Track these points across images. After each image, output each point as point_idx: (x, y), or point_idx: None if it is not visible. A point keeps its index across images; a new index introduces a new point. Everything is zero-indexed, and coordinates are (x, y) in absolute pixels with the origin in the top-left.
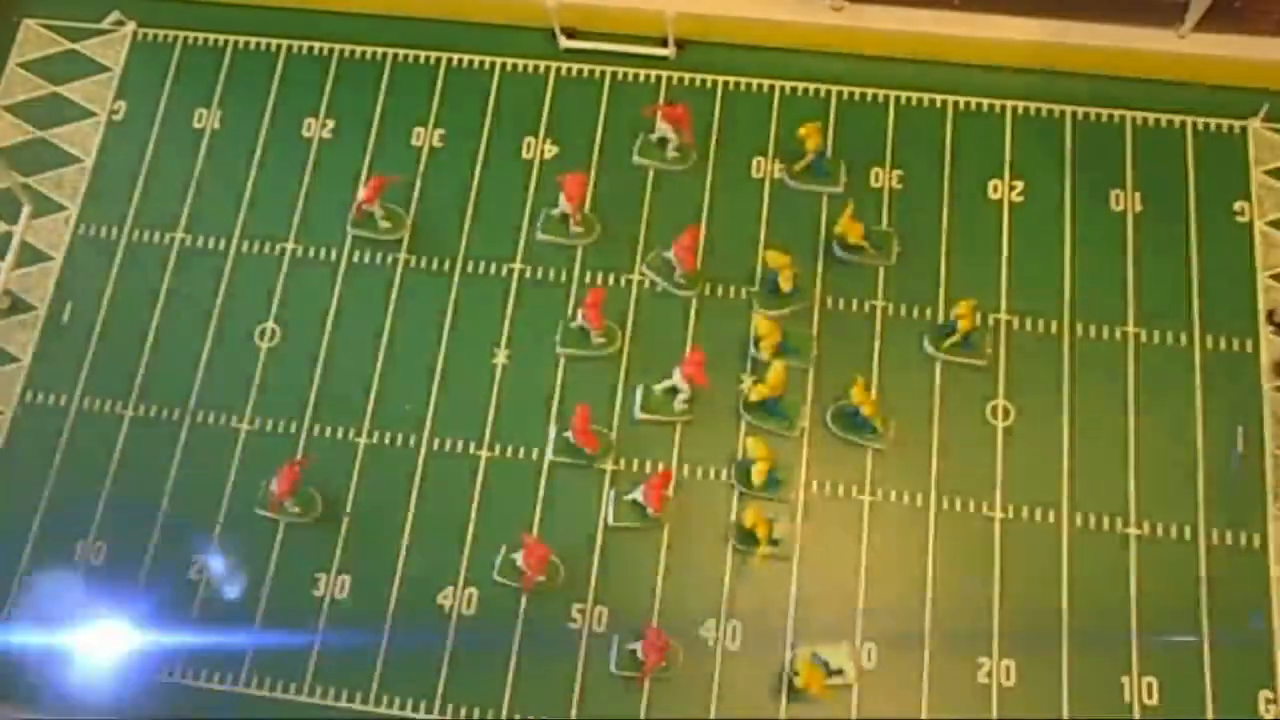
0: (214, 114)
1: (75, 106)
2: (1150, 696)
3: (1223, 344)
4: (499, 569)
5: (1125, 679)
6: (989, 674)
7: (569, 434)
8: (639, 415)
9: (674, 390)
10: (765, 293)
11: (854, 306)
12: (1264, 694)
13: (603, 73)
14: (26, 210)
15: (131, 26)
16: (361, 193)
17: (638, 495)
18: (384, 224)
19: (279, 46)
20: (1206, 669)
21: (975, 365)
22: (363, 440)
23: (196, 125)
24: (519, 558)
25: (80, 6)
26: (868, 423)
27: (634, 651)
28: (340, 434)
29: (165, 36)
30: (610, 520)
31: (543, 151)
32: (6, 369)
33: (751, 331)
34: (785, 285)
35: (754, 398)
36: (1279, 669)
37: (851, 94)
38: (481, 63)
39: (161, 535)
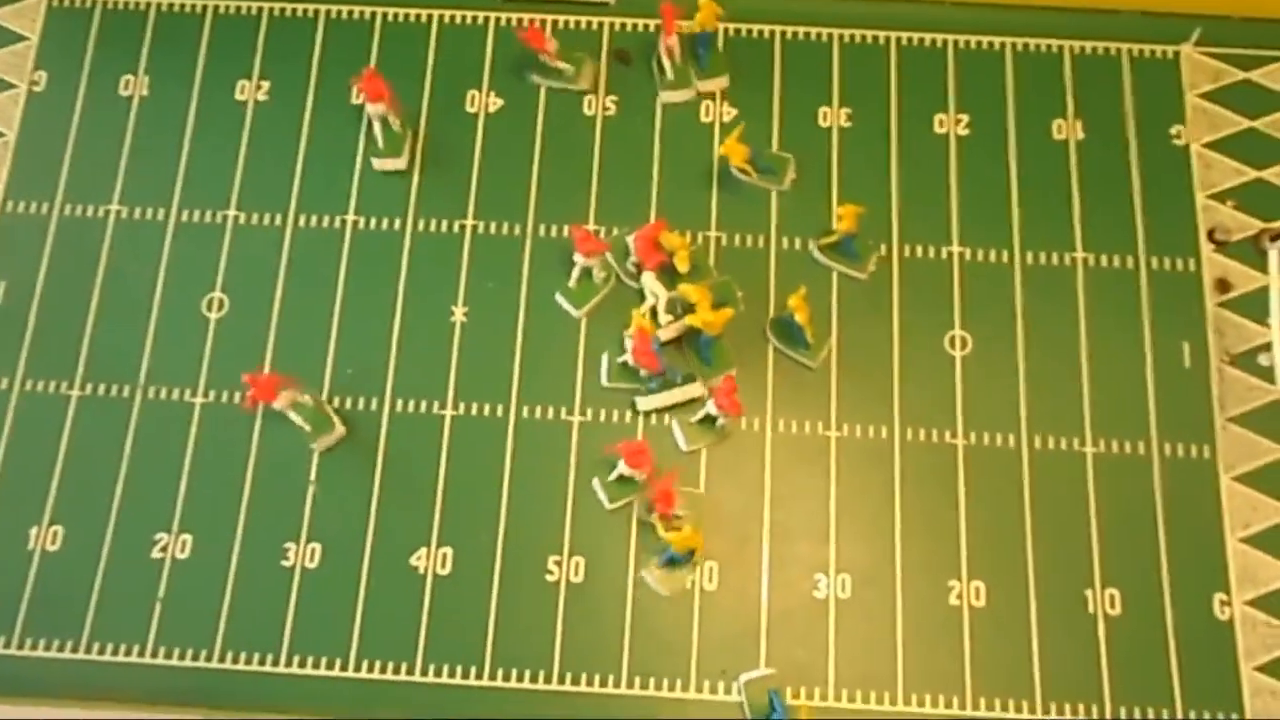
0: (141, 80)
1: None
2: (1113, 607)
3: (1166, 264)
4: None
5: (1089, 591)
6: (959, 595)
7: (624, 358)
8: (685, 449)
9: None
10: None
11: (797, 245)
12: (1218, 596)
13: (543, 22)
14: None
15: None
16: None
17: (709, 410)
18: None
19: (204, 8)
20: (1165, 577)
21: (855, 277)
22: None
23: (123, 93)
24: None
25: None
26: (801, 333)
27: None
28: None
29: (83, 1)
30: (685, 448)
31: (487, 105)
32: None
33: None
34: (682, 266)
35: (691, 320)
36: (1231, 573)
37: (795, 34)
38: (419, 16)
39: (119, 514)
